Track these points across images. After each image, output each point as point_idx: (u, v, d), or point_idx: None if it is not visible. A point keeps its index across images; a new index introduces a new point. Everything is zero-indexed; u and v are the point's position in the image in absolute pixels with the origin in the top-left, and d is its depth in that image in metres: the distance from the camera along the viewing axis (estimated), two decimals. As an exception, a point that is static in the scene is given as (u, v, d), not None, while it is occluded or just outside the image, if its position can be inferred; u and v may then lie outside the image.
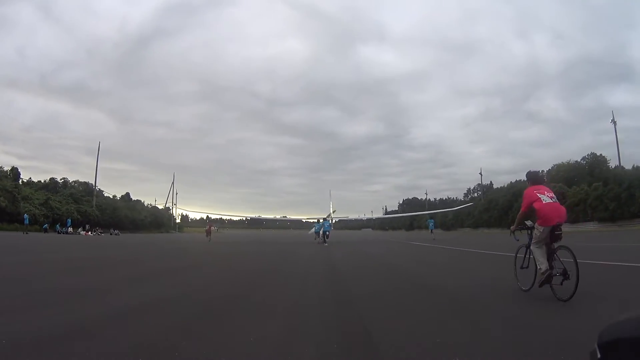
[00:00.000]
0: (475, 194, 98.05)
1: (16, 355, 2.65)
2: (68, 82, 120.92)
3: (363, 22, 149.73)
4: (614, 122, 42.39)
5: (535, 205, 4.65)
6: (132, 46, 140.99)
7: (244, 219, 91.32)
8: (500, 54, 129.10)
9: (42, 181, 56.22)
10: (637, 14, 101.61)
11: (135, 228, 59.88)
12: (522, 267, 5.14)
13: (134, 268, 9.54)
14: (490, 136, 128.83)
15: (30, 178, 57.96)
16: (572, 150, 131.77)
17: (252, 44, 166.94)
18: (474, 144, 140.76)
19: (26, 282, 6.25)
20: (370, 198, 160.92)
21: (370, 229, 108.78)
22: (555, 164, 51.41)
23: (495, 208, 53.93)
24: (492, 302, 4.76)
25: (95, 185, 57.78)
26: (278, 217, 76.77)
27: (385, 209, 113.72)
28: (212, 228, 33.57)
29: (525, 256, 5.14)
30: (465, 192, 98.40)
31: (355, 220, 76.11)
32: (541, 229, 4.60)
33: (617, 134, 42.32)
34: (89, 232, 41.02)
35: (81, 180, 62.91)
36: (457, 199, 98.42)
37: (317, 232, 26.29)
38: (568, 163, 49.65)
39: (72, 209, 46.92)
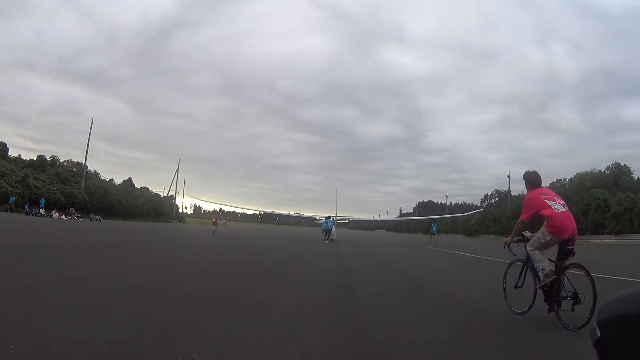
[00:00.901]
0: (492, 200, 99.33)
1: None
2: (86, 68, 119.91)
3: (384, 23, 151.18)
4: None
5: (545, 213, 4.04)
6: (152, 36, 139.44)
7: (257, 213, 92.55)
8: (519, 62, 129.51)
9: (34, 160, 51.31)
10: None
11: (130, 215, 54.41)
12: (515, 286, 4.34)
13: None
14: (506, 144, 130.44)
15: (19, 155, 53.31)
16: (586, 162, 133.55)
17: (273, 40, 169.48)
18: (489, 151, 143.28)
19: None
20: (384, 199, 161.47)
21: (385, 230, 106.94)
22: (579, 173, 50.19)
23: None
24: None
25: (85, 163, 52.32)
26: (291, 213, 73.81)
27: (400, 210, 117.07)
28: (220, 220, 31.05)
29: (521, 274, 4.39)
30: (482, 197, 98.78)
31: (369, 220, 73.88)
32: (549, 237, 4.02)
33: (630, 149, 40.21)
34: (64, 216, 35.59)
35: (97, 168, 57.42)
36: (472, 204, 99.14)
37: (324, 230, 25.04)
38: (592, 172, 47.96)
39: (55, 189, 41.61)
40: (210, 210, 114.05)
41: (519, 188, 53.20)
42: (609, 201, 36.79)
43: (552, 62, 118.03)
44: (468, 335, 3.46)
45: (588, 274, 3.72)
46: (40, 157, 51.22)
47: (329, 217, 25.94)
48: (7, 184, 36.34)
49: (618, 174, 45.71)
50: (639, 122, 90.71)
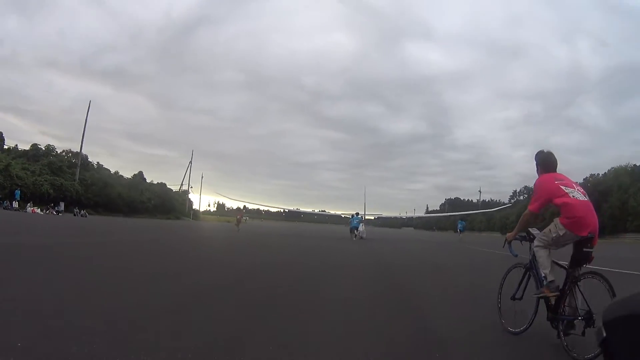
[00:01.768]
0: (521, 197, 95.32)
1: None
2: (110, 65, 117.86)
3: (410, 19, 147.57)
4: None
5: (559, 201, 3.03)
6: (176, 32, 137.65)
7: (282, 210, 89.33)
8: (544, 58, 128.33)
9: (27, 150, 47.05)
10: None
11: (134, 212, 49.47)
12: (513, 298, 3.44)
13: None
14: (530, 140, 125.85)
15: (16, 145, 49.23)
16: (609, 160, 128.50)
17: (298, 36, 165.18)
18: (514, 148, 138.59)
19: None
20: (409, 197, 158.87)
21: (412, 228, 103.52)
22: (613, 167, 47.66)
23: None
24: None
25: (80, 152, 47.60)
26: (316, 211, 71.99)
27: (427, 208, 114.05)
28: (242, 218, 30.32)
29: (521, 282, 3.44)
30: (511, 194, 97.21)
31: (395, 218, 69.67)
32: (563, 230, 3.00)
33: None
34: (41, 210, 30.65)
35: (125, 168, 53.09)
36: (500, 201, 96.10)
37: (351, 228, 24.37)
38: (626, 167, 45.91)
39: (43, 180, 36.90)
40: (234, 208, 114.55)
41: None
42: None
43: (576, 58, 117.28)
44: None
45: (610, 287, 2.75)
46: (34, 145, 46.87)
47: (357, 214, 25.64)
48: (-15, 173, 31.82)
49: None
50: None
